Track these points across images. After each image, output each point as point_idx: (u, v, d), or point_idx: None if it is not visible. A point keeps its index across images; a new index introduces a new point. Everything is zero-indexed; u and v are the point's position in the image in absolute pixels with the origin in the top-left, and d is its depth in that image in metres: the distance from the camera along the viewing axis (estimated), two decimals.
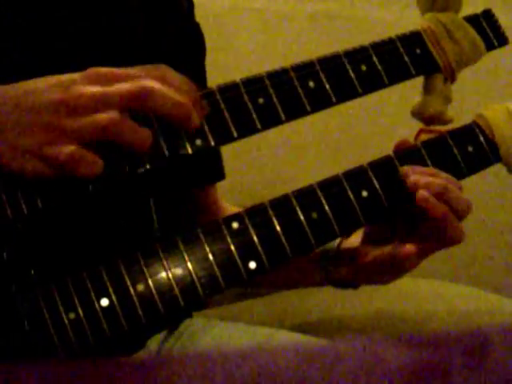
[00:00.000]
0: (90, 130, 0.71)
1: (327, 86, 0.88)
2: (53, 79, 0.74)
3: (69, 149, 0.70)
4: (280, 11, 1.67)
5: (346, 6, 1.71)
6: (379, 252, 0.91)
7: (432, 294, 1.45)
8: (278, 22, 1.66)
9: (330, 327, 1.29)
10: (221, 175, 1.18)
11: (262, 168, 1.61)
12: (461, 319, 1.28)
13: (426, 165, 0.89)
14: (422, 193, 0.84)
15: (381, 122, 1.66)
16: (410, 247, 0.87)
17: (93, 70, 0.75)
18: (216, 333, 1.05)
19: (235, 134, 0.83)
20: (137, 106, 0.73)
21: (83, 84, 0.73)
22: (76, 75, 0.74)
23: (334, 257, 0.98)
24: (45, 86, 0.74)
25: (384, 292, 1.43)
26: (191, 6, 1.13)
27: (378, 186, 0.86)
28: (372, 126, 1.68)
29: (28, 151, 0.71)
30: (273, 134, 1.53)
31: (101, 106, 0.72)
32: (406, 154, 0.89)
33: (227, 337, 1.03)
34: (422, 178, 0.85)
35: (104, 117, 0.71)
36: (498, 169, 1.73)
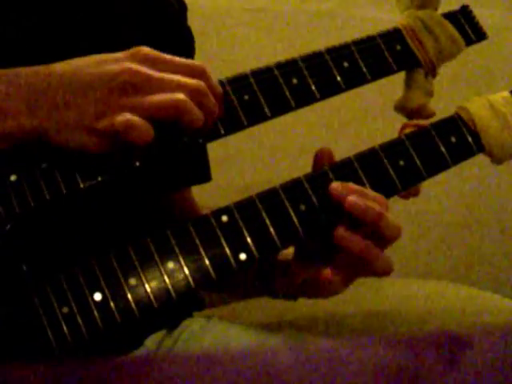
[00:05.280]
0: (163, 106, 0.74)
1: (311, 83, 0.90)
2: (101, 56, 0.77)
3: (124, 116, 0.73)
4: (280, 11, 1.68)
5: (346, 5, 1.72)
6: (306, 273, 0.90)
7: (432, 294, 1.44)
8: (277, 21, 1.67)
9: (329, 327, 1.29)
10: (207, 177, 1.19)
11: (258, 169, 1.62)
12: (461, 319, 1.28)
13: (410, 156, 0.90)
14: (338, 229, 0.83)
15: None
16: (327, 274, 0.85)
17: (140, 50, 0.78)
18: (216, 333, 1.04)
19: (222, 131, 0.85)
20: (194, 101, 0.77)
21: (132, 62, 0.76)
22: (122, 53, 0.77)
23: (269, 268, 0.97)
24: (93, 62, 0.76)
25: (384, 292, 1.43)
26: (183, 8, 1.15)
27: (364, 178, 0.87)
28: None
29: (78, 125, 0.74)
30: (272, 136, 1.54)
31: (164, 89, 0.75)
32: (391, 146, 0.90)
33: (227, 337, 1.03)
34: (361, 200, 0.83)
35: (180, 96, 0.75)
36: (498, 169, 1.74)
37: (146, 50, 0.78)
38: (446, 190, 1.78)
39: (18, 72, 0.76)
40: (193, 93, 0.76)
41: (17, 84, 0.75)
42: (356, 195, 0.83)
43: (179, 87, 0.76)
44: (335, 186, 0.84)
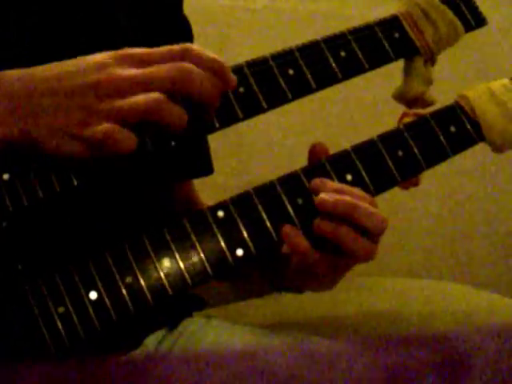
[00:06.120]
0: (133, 110, 0.72)
1: (307, 73, 0.89)
2: (84, 61, 0.76)
3: (104, 126, 0.72)
4: (280, 11, 1.68)
5: (345, 5, 1.72)
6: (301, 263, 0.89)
7: (432, 294, 1.44)
8: (277, 21, 1.67)
9: (329, 327, 1.29)
10: (209, 169, 1.18)
11: (259, 167, 1.61)
12: (461, 319, 1.28)
13: (409, 146, 0.89)
14: (317, 222, 0.83)
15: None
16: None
17: (125, 52, 0.76)
18: (216, 333, 1.04)
19: (217, 124, 0.84)
20: (175, 89, 0.74)
21: (117, 65, 0.75)
22: (107, 56, 0.76)
23: (271, 261, 0.96)
24: (77, 69, 0.75)
25: (384, 292, 1.43)
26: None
27: (362, 170, 0.86)
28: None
29: (65, 132, 0.72)
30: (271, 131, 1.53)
31: (141, 88, 0.73)
32: (389, 136, 0.89)
33: (227, 337, 1.03)
34: (330, 195, 0.83)
35: (149, 97, 0.73)
36: (497, 170, 1.73)
37: (128, 50, 0.77)
38: (446, 190, 1.78)
39: (4, 77, 0.75)
40: (174, 82, 0.74)
41: (4, 89, 0.74)
42: (326, 192, 0.84)
43: (157, 81, 0.74)
44: (313, 183, 0.85)
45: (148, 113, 0.73)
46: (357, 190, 0.85)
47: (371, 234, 0.84)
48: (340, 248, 0.83)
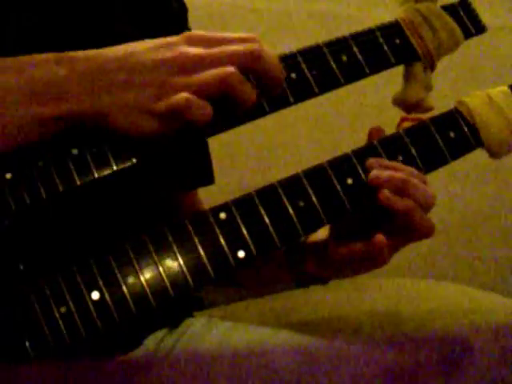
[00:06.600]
0: (210, 82, 0.74)
1: (309, 77, 0.89)
2: (154, 41, 0.77)
3: (182, 95, 0.73)
4: (280, 11, 1.68)
5: (345, 5, 1.72)
6: (352, 246, 0.90)
7: (432, 294, 1.44)
8: (278, 21, 1.67)
9: (329, 327, 1.28)
10: (210, 179, 1.18)
11: (259, 169, 1.61)
12: (460, 319, 1.28)
13: (408, 151, 0.90)
14: (382, 192, 0.85)
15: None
16: (382, 239, 0.86)
17: (193, 33, 0.78)
18: (216, 333, 1.05)
19: (221, 128, 0.85)
20: (248, 66, 0.76)
21: (187, 45, 0.76)
22: (175, 38, 0.77)
23: (299, 252, 0.98)
24: (148, 47, 0.76)
25: (384, 292, 1.43)
26: (183, 10, 1.15)
27: (362, 174, 0.87)
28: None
29: (138, 108, 0.73)
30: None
31: (214, 64, 0.75)
32: (389, 141, 0.90)
33: (228, 337, 1.03)
34: (384, 171, 0.86)
35: (225, 70, 0.74)
36: (497, 170, 1.73)
37: (199, 32, 0.78)
38: (446, 191, 1.77)
39: (76, 56, 0.76)
40: (246, 57, 0.76)
41: (77, 67, 0.75)
42: (378, 169, 0.86)
43: (230, 57, 0.75)
44: (368, 162, 0.87)
45: (224, 85, 0.74)
46: (408, 167, 0.88)
47: (423, 209, 0.87)
48: (403, 226, 0.87)
